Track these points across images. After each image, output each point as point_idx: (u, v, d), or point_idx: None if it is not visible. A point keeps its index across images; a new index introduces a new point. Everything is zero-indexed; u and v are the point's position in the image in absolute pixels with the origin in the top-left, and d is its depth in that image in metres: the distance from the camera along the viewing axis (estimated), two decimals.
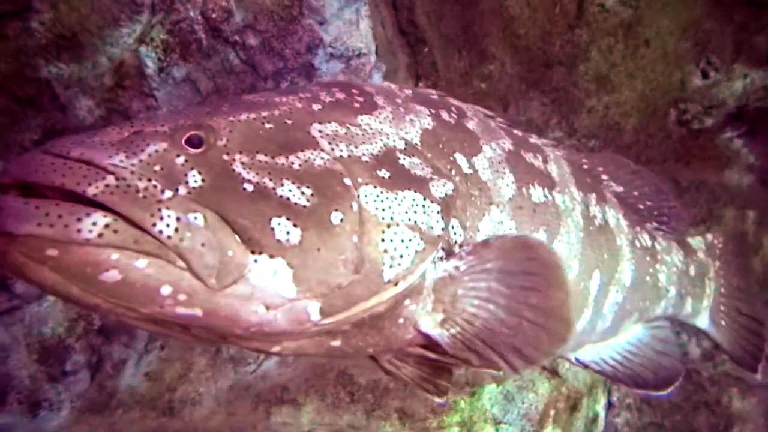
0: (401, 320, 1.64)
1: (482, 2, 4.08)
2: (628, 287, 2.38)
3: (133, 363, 3.78)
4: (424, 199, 1.59)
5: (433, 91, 2.02)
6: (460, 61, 4.16)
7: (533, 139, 2.24)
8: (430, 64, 4.17)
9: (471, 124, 1.95)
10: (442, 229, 1.62)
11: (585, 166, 2.45)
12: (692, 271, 2.71)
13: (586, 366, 2.45)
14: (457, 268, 1.66)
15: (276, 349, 1.55)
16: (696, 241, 2.83)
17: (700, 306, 2.77)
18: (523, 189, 1.95)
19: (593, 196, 2.31)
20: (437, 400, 1.95)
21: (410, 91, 1.93)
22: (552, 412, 4.04)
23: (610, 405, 4.52)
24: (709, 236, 2.88)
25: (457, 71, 4.17)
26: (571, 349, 2.40)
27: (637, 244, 2.46)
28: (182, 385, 3.81)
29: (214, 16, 3.53)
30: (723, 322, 2.83)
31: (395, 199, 1.54)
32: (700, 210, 4.32)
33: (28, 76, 3.20)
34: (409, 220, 1.55)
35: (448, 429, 3.82)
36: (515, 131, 2.15)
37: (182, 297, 1.29)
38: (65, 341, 3.60)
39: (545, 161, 2.14)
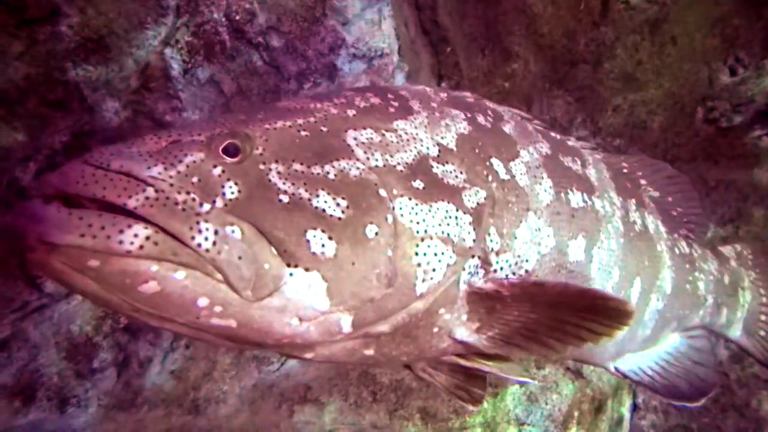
0: (435, 329, 1.63)
1: (505, 1, 4.05)
2: (668, 295, 2.34)
3: (159, 361, 3.83)
4: (457, 210, 1.58)
5: (469, 94, 1.99)
6: (483, 60, 4.13)
7: (571, 142, 2.20)
8: (452, 64, 4.16)
9: (508, 128, 1.91)
10: (474, 241, 1.61)
11: (624, 170, 2.41)
12: (726, 279, 2.67)
13: (625, 376, 2.40)
14: (498, 292, 1.64)
15: (309, 355, 1.56)
16: (728, 250, 2.78)
17: (734, 317, 2.71)
18: (562, 194, 1.91)
19: (633, 201, 2.27)
20: (471, 408, 1.94)
21: (445, 95, 1.90)
22: (576, 414, 4.00)
23: (635, 407, 4.47)
24: (738, 246, 2.84)
25: (480, 70, 4.15)
26: (611, 359, 2.36)
27: (677, 251, 2.42)
28: (207, 384, 3.84)
29: (237, 17, 3.56)
30: (762, 332, 2.77)
31: (429, 211, 1.53)
32: (729, 209, 4.25)
33: (57, 79, 3.25)
34: (442, 232, 1.54)
35: (471, 429, 3.81)
36: (553, 134, 2.11)
37: (218, 309, 1.30)
38: (93, 339, 3.65)
39: (584, 165, 2.11)
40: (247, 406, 3.83)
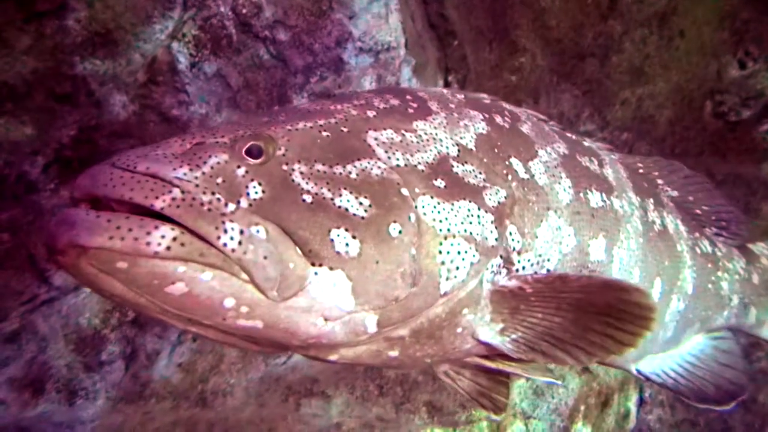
0: (459, 330, 1.63)
1: None
2: (689, 295, 2.31)
3: (166, 354, 3.85)
4: (479, 209, 1.59)
5: (486, 95, 1.99)
6: (491, 53, 4.12)
7: (587, 142, 2.20)
8: (459, 58, 4.15)
9: (525, 128, 1.92)
10: (496, 240, 1.61)
11: (640, 170, 2.39)
12: (756, 278, 2.62)
13: (647, 378, 2.37)
14: (521, 288, 1.64)
15: (334, 357, 1.56)
16: (759, 248, 2.73)
17: (766, 317, 2.66)
18: (581, 194, 1.91)
19: (651, 200, 2.26)
20: (494, 417, 1.93)
21: (463, 96, 1.91)
22: (582, 408, 4.00)
23: (641, 401, 4.47)
24: None
25: (487, 64, 4.14)
26: (632, 361, 2.33)
27: (698, 250, 2.39)
28: (214, 377, 3.86)
29: (244, 11, 3.56)
30: None
31: (451, 209, 1.54)
32: (737, 204, 4.23)
33: (65, 73, 3.26)
34: (465, 231, 1.54)
35: (477, 423, 3.81)
36: (569, 134, 2.11)
37: (244, 309, 1.31)
38: (101, 332, 3.67)
39: (601, 165, 2.10)
40: (254, 399, 3.84)
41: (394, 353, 1.60)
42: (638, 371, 2.37)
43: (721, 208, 2.57)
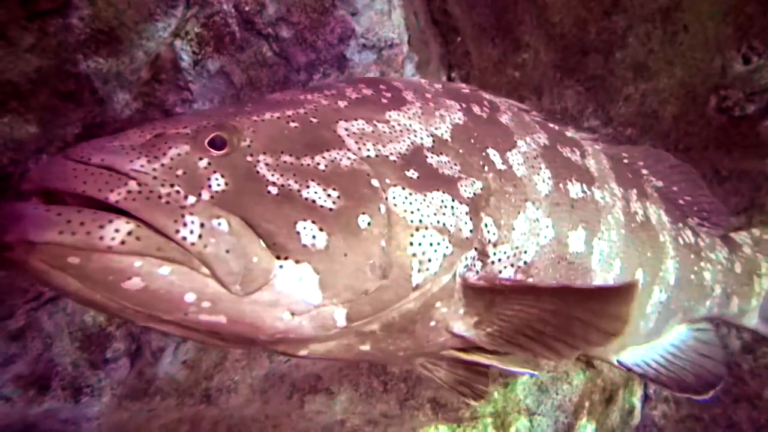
0: (433, 323, 1.60)
1: None
2: (672, 286, 2.30)
3: (171, 351, 3.86)
4: (453, 200, 1.55)
5: (465, 85, 1.96)
6: (494, 49, 4.11)
7: (570, 132, 2.17)
8: (462, 54, 4.14)
9: (504, 119, 1.89)
10: (471, 231, 1.58)
11: (625, 160, 2.37)
12: (738, 268, 2.61)
13: (629, 369, 2.36)
14: (491, 290, 1.60)
15: (303, 352, 1.53)
16: (741, 237, 2.73)
17: (748, 306, 2.67)
18: (560, 185, 1.88)
19: (634, 191, 2.24)
20: (474, 403, 1.91)
21: (440, 86, 1.87)
22: (587, 404, 3.99)
23: (646, 397, 4.46)
24: (756, 231, 2.78)
25: (490, 60, 4.13)
26: (614, 352, 2.32)
27: (681, 241, 2.37)
28: (218, 374, 3.87)
29: (247, 8, 3.56)
30: None
31: (424, 200, 1.50)
32: (742, 199, 4.21)
33: (68, 71, 3.27)
34: (438, 222, 1.51)
35: (481, 419, 3.81)
36: (551, 125, 2.08)
37: (206, 304, 1.28)
38: (106, 329, 3.69)
39: (583, 156, 2.08)
40: (259, 396, 3.85)
41: (365, 347, 1.56)
42: (619, 362, 2.36)
43: (704, 199, 2.55)
